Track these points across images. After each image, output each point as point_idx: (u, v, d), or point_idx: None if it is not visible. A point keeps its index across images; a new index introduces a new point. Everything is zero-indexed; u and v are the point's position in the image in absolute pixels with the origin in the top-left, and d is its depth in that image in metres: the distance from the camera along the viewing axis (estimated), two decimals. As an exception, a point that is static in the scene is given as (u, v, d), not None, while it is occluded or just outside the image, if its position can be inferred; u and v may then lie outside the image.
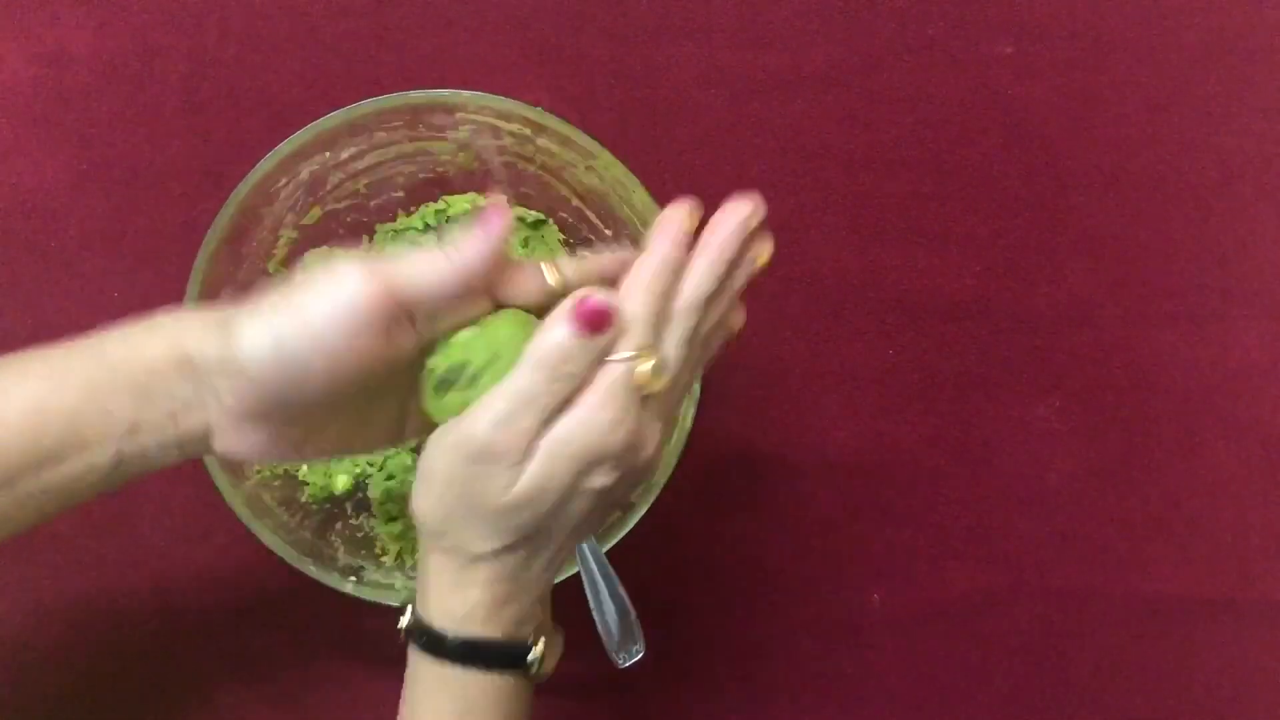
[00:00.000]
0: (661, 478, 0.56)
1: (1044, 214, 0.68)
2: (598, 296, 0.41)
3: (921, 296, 0.68)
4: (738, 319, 0.49)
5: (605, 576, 0.56)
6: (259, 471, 0.58)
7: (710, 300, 0.45)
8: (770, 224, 0.67)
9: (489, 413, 0.41)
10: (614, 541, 0.57)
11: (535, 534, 0.43)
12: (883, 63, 0.68)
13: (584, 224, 0.61)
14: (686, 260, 0.44)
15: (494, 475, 0.41)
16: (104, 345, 0.43)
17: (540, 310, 0.44)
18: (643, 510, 0.56)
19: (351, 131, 0.57)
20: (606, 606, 0.57)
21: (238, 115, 0.67)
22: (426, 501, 0.43)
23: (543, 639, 0.46)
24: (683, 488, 0.61)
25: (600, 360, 0.42)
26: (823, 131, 0.68)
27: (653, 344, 0.42)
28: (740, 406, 0.67)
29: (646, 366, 0.42)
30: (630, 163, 0.56)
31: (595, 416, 0.41)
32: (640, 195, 0.56)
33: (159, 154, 0.66)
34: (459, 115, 0.57)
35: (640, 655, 0.57)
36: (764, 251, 0.48)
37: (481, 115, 0.57)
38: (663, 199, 0.55)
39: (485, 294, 0.44)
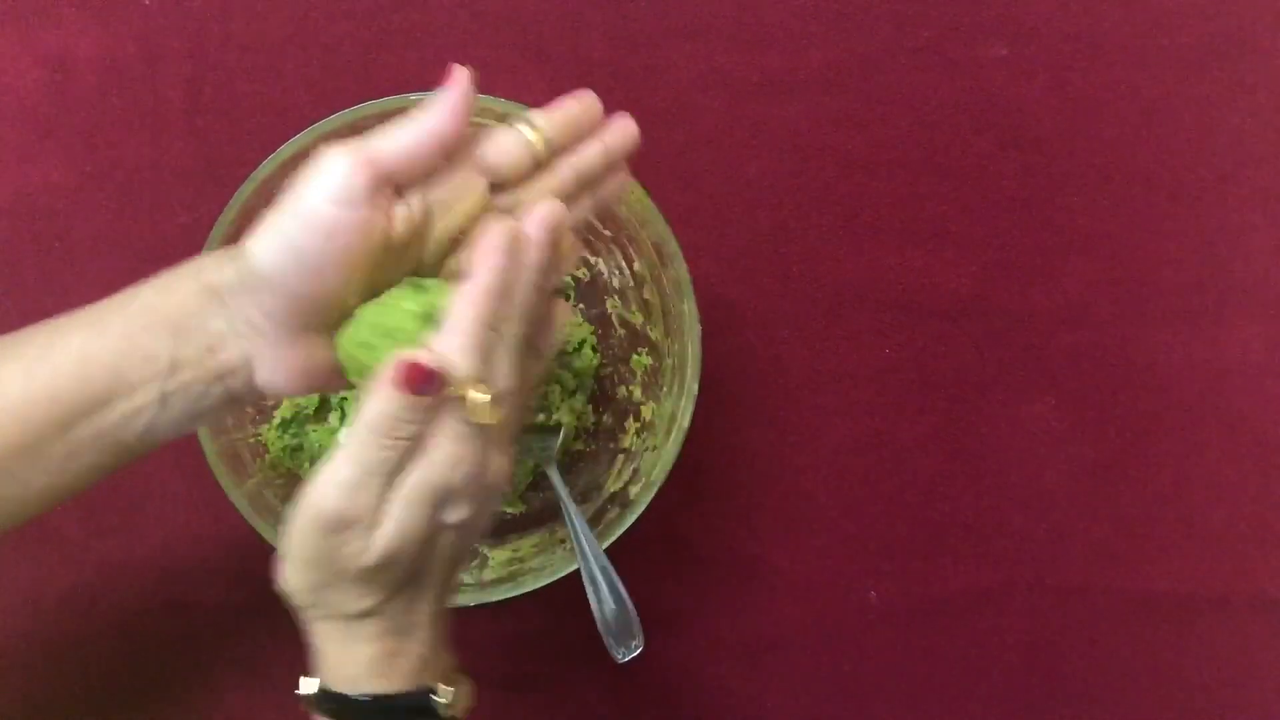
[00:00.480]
0: (660, 476, 0.57)
1: (1039, 214, 0.69)
2: (419, 357, 0.40)
3: (918, 296, 0.68)
4: (561, 313, 0.47)
5: (604, 573, 0.57)
6: (261, 470, 0.59)
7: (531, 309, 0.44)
8: (766, 225, 0.68)
9: (333, 484, 0.41)
10: (613, 539, 0.57)
11: (408, 580, 0.44)
12: (879, 65, 0.69)
13: (582, 224, 0.62)
14: (516, 273, 0.43)
15: (351, 541, 0.42)
16: (137, 293, 0.44)
17: (520, 172, 0.45)
18: (641, 508, 0.57)
19: (353, 133, 0.56)
20: (606, 603, 0.57)
21: (240, 118, 0.67)
22: (294, 579, 0.43)
23: (453, 685, 0.46)
24: (681, 485, 0.61)
25: (434, 408, 0.41)
26: (820, 132, 0.68)
27: (483, 376, 0.41)
28: (738, 405, 0.68)
29: (482, 401, 0.41)
30: (629, 163, 0.56)
31: (435, 459, 0.41)
32: (637, 194, 0.56)
33: (162, 156, 0.67)
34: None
35: (639, 650, 0.57)
36: (617, 184, 0.49)
37: (482, 117, 0.57)
38: (659, 199, 0.56)
39: (469, 164, 0.44)
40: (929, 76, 0.69)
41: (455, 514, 0.43)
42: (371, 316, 0.44)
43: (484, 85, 0.61)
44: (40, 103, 0.67)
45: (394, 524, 0.42)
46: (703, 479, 0.67)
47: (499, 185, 0.45)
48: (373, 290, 0.44)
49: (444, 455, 0.41)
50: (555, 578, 0.57)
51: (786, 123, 0.68)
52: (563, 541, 0.60)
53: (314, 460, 0.61)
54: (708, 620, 0.67)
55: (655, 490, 0.57)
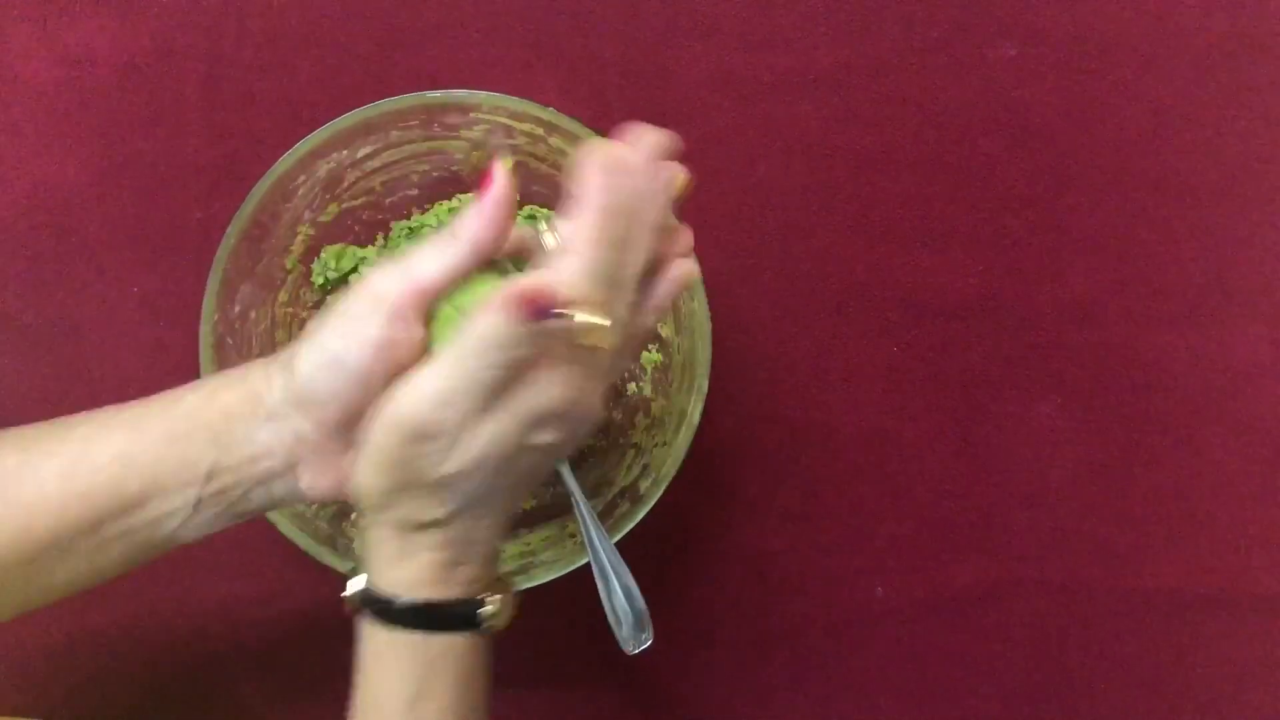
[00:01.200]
0: (669, 471, 0.57)
1: (1047, 214, 0.69)
2: (538, 283, 0.39)
3: (926, 295, 0.68)
4: (690, 268, 0.46)
5: (615, 566, 0.57)
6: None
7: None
8: (776, 224, 0.69)
9: (427, 393, 0.41)
10: (623, 533, 0.57)
11: (482, 496, 0.43)
12: (888, 65, 0.69)
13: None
14: (631, 196, 0.41)
15: (433, 453, 0.41)
16: (181, 396, 0.45)
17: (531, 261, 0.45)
18: (651, 502, 0.57)
19: (367, 131, 0.57)
20: (617, 596, 0.58)
21: (255, 115, 0.68)
22: (369, 478, 0.43)
23: (496, 596, 0.46)
24: (690, 481, 0.62)
25: (546, 334, 0.40)
26: (829, 132, 0.69)
27: (603, 299, 0.40)
28: (747, 402, 0.68)
29: (599, 325, 0.40)
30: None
31: (536, 382, 0.41)
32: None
33: (179, 152, 0.67)
34: (473, 115, 0.58)
35: (649, 643, 0.58)
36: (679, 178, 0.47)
37: (495, 115, 0.58)
38: (672, 197, 0.56)
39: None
40: (938, 77, 0.69)
41: (544, 437, 0.42)
42: (471, 292, 0.43)
43: (497, 85, 0.62)
44: (57, 99, 0.68)
45: (482, 441, 0.41)
46: (712, 474, 0.67)
47: None
48: None
49: (546, 379, 0.41)
50: (566, 571, 0.57)
51: (796, 122, 0.69)
52: (573, 535, 0.60)
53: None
54: (716, 614, 0.67)
55: (665, 485, 0.57)
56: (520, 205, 0.63)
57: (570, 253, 0.40)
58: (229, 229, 0.56)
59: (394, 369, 0.42)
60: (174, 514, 0.44)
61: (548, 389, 0.41)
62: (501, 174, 0.42)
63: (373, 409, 0.42)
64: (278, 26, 0.68)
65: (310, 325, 0.44)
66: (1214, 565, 0.68)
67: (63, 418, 0.45)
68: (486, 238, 0.42)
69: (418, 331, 0.42)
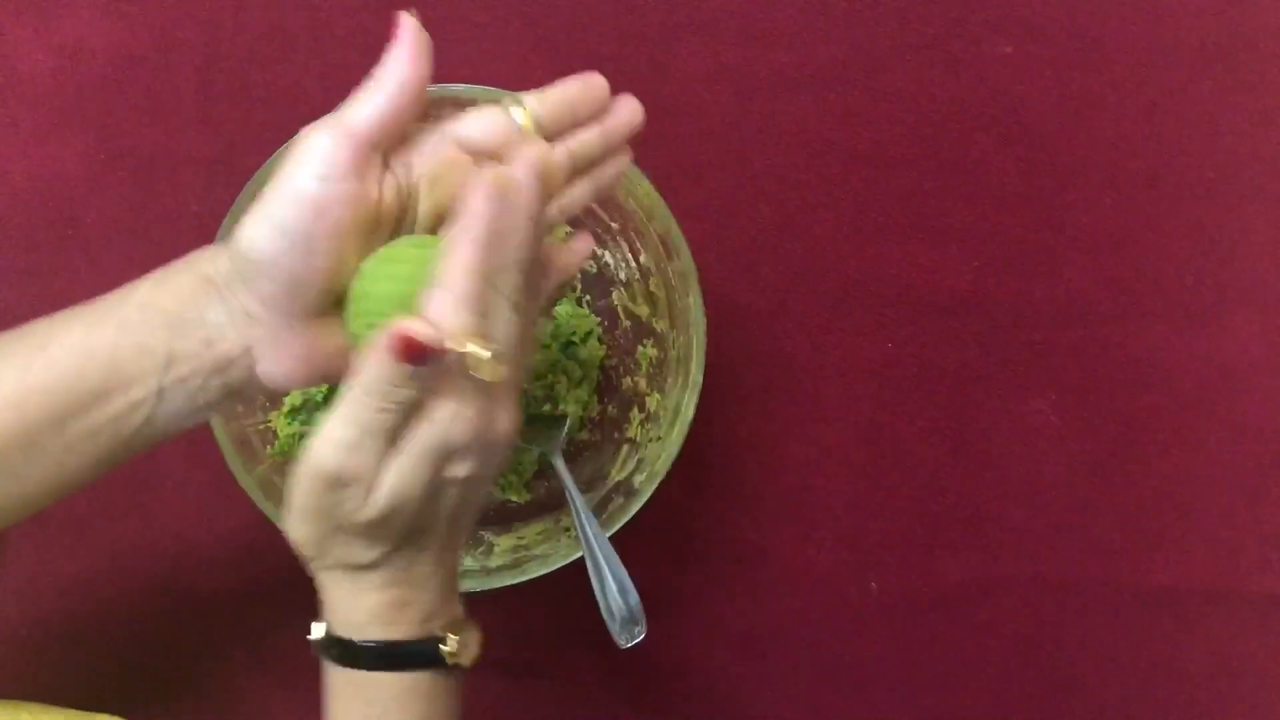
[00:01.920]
0: (664, 466, 0.57)
1: (1042, 211, 0.69)
2: (414, 329, 0.38)
3: (921, 291, 0.69)
4: (579, 250, 0.48)
5: (609, 560, 0.57)
6: (272, 455, 0.60)
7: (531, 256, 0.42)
8: (771, 219, 0.69)
9: (334, 441, 0.40)
10: (617, 527, 0.57)
11: (412, 534, 0.43)
12: (885, 62, 0.69)
13: (590, 216, 0.62)
14: (507, 221, 0.40)
15: (351, 498, 0.41)
16: (135, 288, 0.44)
17: (504, 148, 0.43)
18: (645, 497, 0.57)
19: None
20: (610, 589, 0.58)
21: (252, 106, 0.68)
22: (299, 530, 0.43)
23: (458, 633, 0.46)
24: (684, 476, 0.62)
25: (432, 373, 0.40)
26: (825, 128, 0.69)
27: (482, 330, 0.40)
28: (741, 397, 0.68)
29: (483, 356, 0.39)
30: (636, 157, 0.56)
31: (436, 417, 0.40)
32: (645, 187, 0.56)
33: (175, 144, 0.67)
34: (469, 109, 0.57)
35: (642, 637, 0.58)
36: (616, 168, 0.49)
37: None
38: (666, 193, 0.57)
39: (453, 142, 0.44)
40: (934, 73, 0.69)
41: (460, 469, 0.42)
42: (379, 288, 0.42)
43: (494, 79, 0.62)
44: (54, 91, 0.68)
45: (394, 481, 0.41)
46: (706, 469, 0.67)
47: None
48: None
49: (446, 413, 0.40)
50: (560, 565, 0.57)
51: (793, 118, 0.69)
52: (567, 529, 0.60)
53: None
54: (710, 608, 0.68)
55: (659, 480, 0.57)
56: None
57: (443, 287, 0.39)
58: (225, 220, 0.56)
59: (335, 229, 0.41)
60: (138, 405, 0.43)
61: (450, 423, 0.41)
62: (409, 19, 0.43)
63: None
64: (275, 19, 0.68)
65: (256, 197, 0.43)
66: (1207, 562, 0.68)
67: (18, 326, 0.44)
68: (410, 75, 0.42)
69: (356, 186, 0.42)
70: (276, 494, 0.57)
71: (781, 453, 0.68)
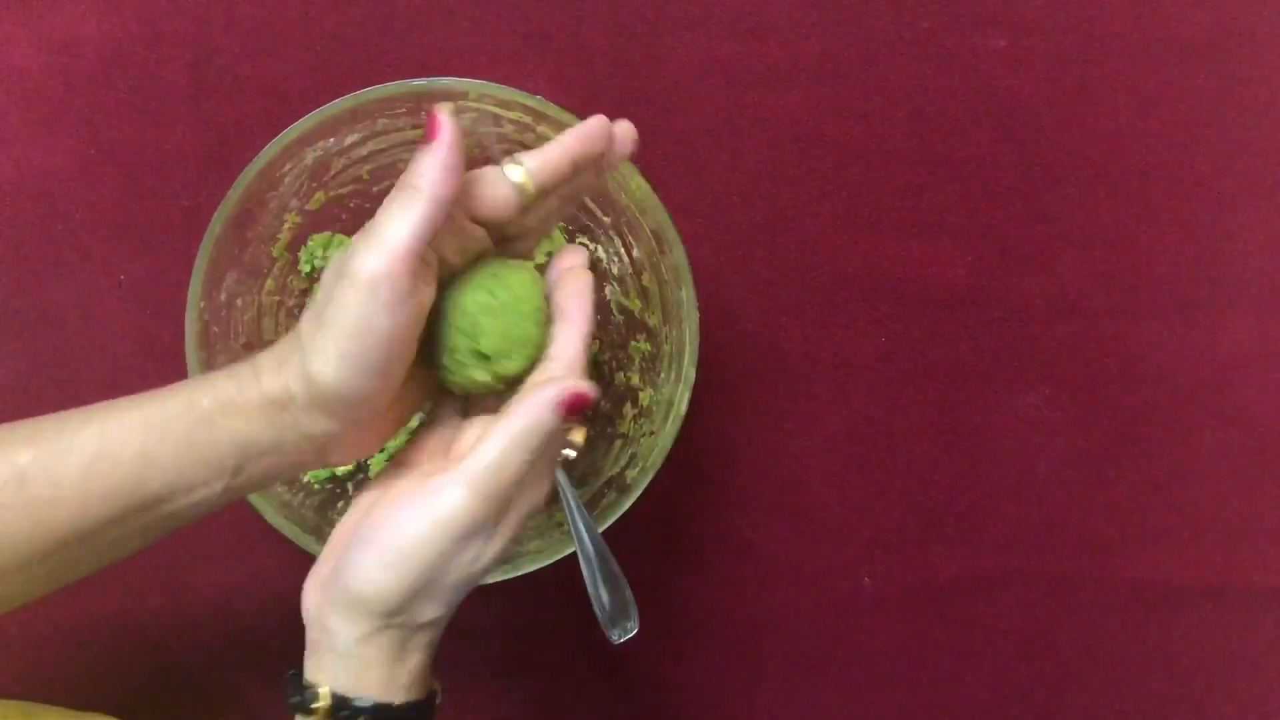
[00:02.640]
0: (656, 461, 0.57)
1: (1036, 205, 0.69)
2: (582, 387, 0.43)
3: (914, 286, 0.69)
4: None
5: (600, 554, 0.57)
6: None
7: None
8: (765, 214, 0.69)
9: (479, 490, 0.42)
10: (610, 522, 0.57)
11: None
12: (878, 55, 0.69)
13: (583, 211, 0.62)
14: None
15: (474, 548, 0.43)
16: (195, 400, 0.44)
17: (508, 216, 0.46)
18: (638, 492, 0.57)
19: (355, 118, 0.57)
20: (601, 585, 0.58)
21: (242, 102, 0.67)
22: (393, 584, 0.42)
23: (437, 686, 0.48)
24: (677, 471, 0.62)
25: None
26: (818, 122, 0.69)
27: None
28: (734, 391, 0.68)
29: (580, 432, 0.47)
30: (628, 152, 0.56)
31: (546, 476, 0.45)
32: (637, 182, 0.56)
33: (165, 139, 0.67)
34: (460, 103, 0.57)
35: (634, 632, 0.58)
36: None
37: (483, 103, 0.57)
38: (660, 186, 0.57)
39: (462, 212, 0.45)
40: (928, 67, 0.69)
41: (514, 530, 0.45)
42: (486, 323, 0.46)
43: (485, 73, 0.62)
44: (43, 85, 0.67)
45: (506, 535, 0.44)
46: (699, 464, 0.67)
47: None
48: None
49: (543, 475, 0.45)
50: (552, 560, 0.57)
51: (785, 112, 0.69)
52: (560, 524, 0.60)
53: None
54: (703, 604, 0.68)
55: (652, 475, 0.57)
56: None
57: (572, 370, 0.45)
58: (215, 216, 0.56)
59: (408, 346, 0.43)
60: (201, 503, 0.44)
61: (544, 483, 0.45)
62: (446, 119, 0.43)
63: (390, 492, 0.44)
64: (266, 13, 0.68)
65: (306, 326, 0.43)
66: (1201, 557, 0.68)
67: (67, 412, 0.44)
68: (446, 187, 0.42)
69: (417, 300, 0.43)
70: (272, 494, 0.57)
71: (774, 447, 0.68)
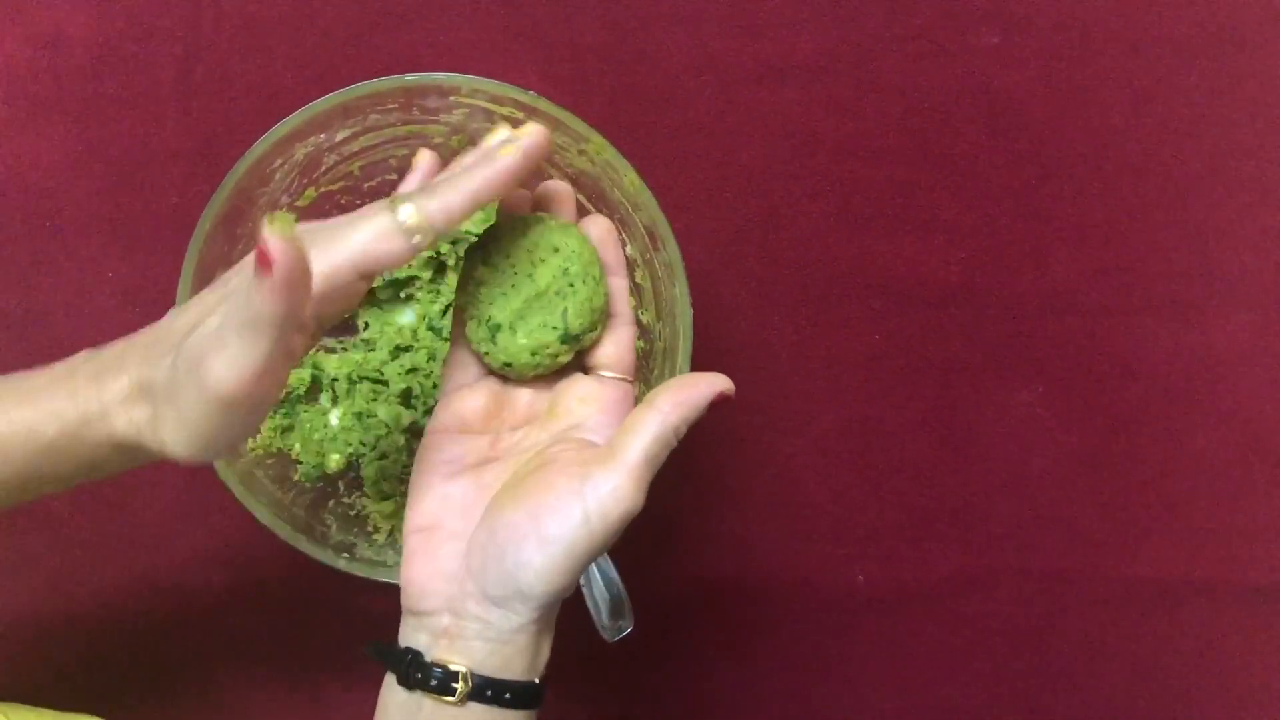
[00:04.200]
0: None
1: (1029, 202, 0.69)
2: (729, 384, 0.46)
3: (908, 283, 0.68)
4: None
5: (594, 554, 0.57)
6: (253, 449, 0.59)
7: None
8: (758, 211, 0.69)
9: (640, 481, 0.43)
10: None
11: None
12: (871, 52, 0.69)
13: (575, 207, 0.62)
14: None
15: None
16: (38, 427, 0.44)
17: (402, 265, 0.43)
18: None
19: (346, 114, 0.57)
20: (596, 583, 0.58)
21: (232, 97, 0.67)
22: (562, 577, 0.43)
23: None
24: (671, 468, 0.61)
25: None
26: (811, 119, 0.69)
27: None
28: (728, 390, 0.68)
29: None
30: (621, 147, 0.56)
31: None
32: (631, 178, 0.56)
33: (154, 136, 0.67)
34: (452, 99, 0.57)
35: (629, 631, 0.58)
36: None
37: (475, 99, 0.57)
38: (651, 184, 0.56)
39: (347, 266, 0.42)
40: (921, 64, 0.69)
41: None
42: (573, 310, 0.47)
43: (477, 68, 0.62)
44: (31, 82, 0.67)
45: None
46: (692, 462, 0.67)
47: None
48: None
49: None
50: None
51: (778, 109, 0.69)
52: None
53: (304, 441, 0.61)
54: (696, 602, 0.67)
55: (645, 473, 0.57)
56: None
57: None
58: (204, 213, 0.55)
59: (265, 409, 0.42)
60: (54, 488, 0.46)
61: None
62: (278, 247, 0.36)
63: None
64: (256, 8, 0.68)
65: (158, 377, 0.42)
66: (1195, 553, 0.68)
67: None
68: (291, 316, 0.38)
69: (276, 387, 0.41)
70: (258, 488, 0.57)
71: (767, 445, 0.68)
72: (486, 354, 0.48)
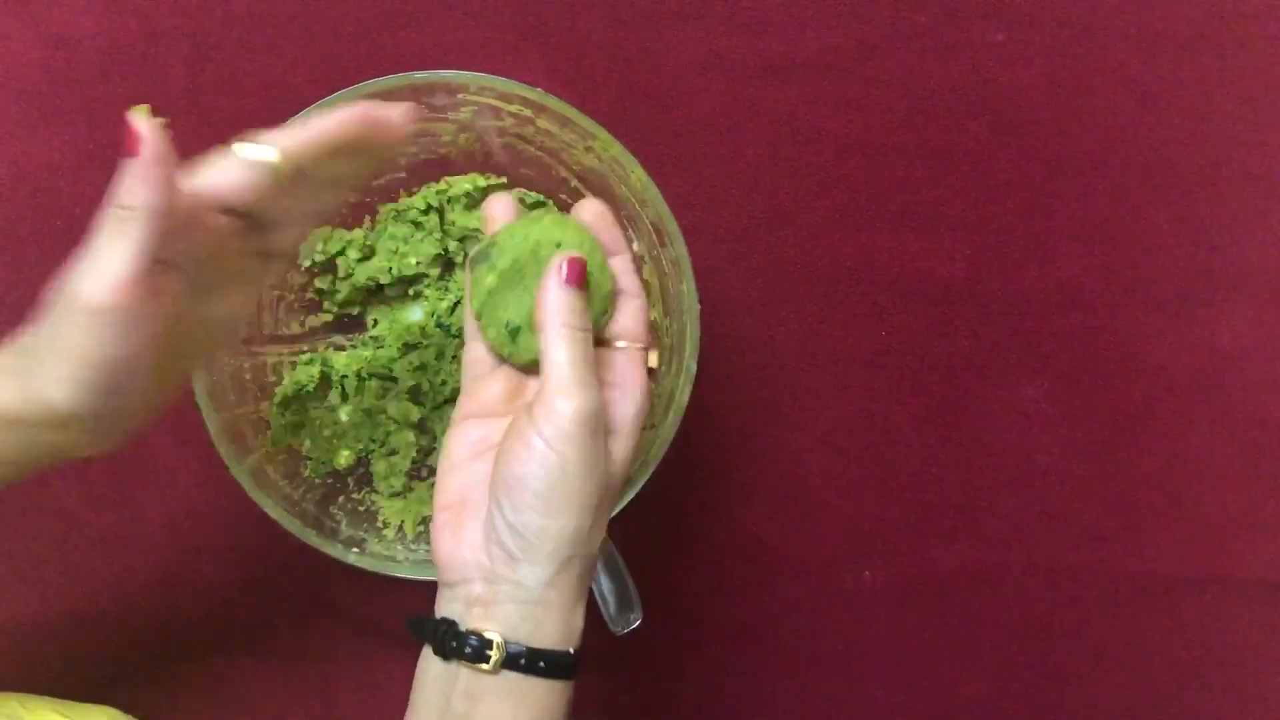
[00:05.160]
0: (658, 454, 0.57)
1: (1034, 199, 0.69)
2: (571, 254, 0.46)
3: (913, 280, 0.69)
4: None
5: (603, 548, 0.57)
6: (263, 445, 0.59)
7: None
8: (764, 208, 0.69)
9: (571, 389, 0.43)
10: (612, 515, 0.57)
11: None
12: (876, 49, 0.69)
13: (583, 205, 0.62)
14: None
15: (602, 444, 0.45)
16: None
17: (256, 197, 0.43)
18: (639, 485, 0.57)
19: (354, 112, 0.57)
20: (604, 577, 0.58)
21: (241, 97, 0.67)
22: (569, 519, 0.43)
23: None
24: (678, 465, 0.62)
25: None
26: (817, 116, 0.69)
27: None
28: (734, 386, 0.68)
29: (653, 355, 0.50)
30: (627, 144, 0.56)
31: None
32: (638, 174, 0.56)
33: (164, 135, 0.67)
34: (460, 96, 0.57)
35: (637, 623, 0.58)
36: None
37: (482, 96, 0.57)
38: (659, 180, 0.57)
39: (208, 206, 0.43)
40: (926, 61, 0.69)
41: None
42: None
43: (485, 66, 0.62)
44: (41, 81, 0.67)
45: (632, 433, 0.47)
46: (700, 458, 0.67)
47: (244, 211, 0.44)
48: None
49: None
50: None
51: (784, 106, 0.69)
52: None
53: (314, 438, 0.62)
54: (704, 596, 0.67)
55: (653, 468, 0.57)
56: (509, 186, 0.63)
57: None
58: (215, 210, 0.56)
59: (152, 355, 0.42)
60: None
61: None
62: (143, 127, 0.39)
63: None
64: (264, 7, 0.68)
65: (29, 342, 0.42)
66: (1200, 549, 0.68)
67: None
68: (156, 200, 0.40)
69: (154, 311, 0.41)
70: (267, 483, 0.57)
71: (774, 440, 0.68)
72: (510, 355, 0.49)
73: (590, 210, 0.50)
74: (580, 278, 0.45)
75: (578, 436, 0.43)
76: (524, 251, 0.49)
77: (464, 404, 0.50)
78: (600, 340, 0.49)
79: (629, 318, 0.49)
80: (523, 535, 0.44)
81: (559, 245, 0.48)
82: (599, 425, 0.44)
